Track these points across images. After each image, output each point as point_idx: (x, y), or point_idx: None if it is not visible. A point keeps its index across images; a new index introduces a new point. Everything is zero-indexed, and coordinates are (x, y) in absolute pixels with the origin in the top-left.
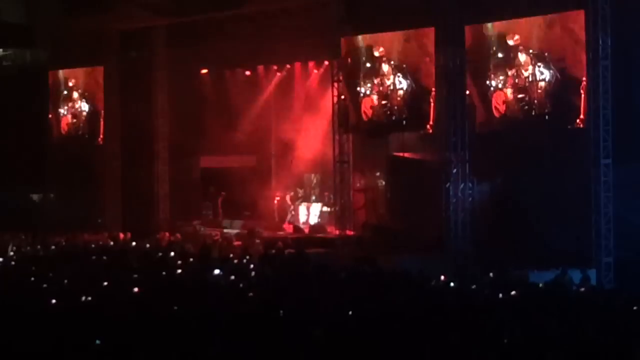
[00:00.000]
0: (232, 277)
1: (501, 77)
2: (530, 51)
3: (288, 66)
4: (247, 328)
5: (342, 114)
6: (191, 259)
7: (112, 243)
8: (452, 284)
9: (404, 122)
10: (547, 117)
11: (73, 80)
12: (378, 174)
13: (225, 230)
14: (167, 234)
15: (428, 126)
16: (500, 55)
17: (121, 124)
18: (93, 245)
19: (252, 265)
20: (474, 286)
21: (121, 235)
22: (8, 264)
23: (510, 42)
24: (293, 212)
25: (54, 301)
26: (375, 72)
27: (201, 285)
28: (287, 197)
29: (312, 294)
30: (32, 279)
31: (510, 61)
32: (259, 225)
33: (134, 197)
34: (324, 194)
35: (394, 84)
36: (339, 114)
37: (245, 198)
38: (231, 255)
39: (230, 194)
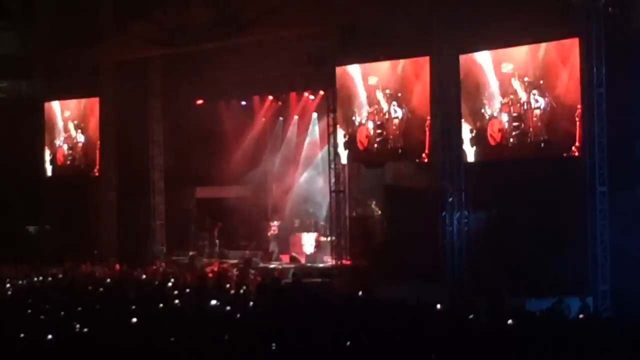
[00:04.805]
0: (228, 308)
1: (496, 106)
2: (525, 79)
3: (283, 96)
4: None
5: (348, 143)
6: (188, 290)
7: (108, 274)
8: (449, 313)
9: (400, 151)
10: (542, 145)
11: (69, 112)
12: (374, 203)
13: (223, 261)
14: (163, 264)
15: (424, 155)
16: (495, 83)
17: (117, 155)
18: (89, 277)
19: (248, 296)
20: (471, 315)
21: (117, 266)
22: (4, 296)
23: (505, 71)
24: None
25: (50, 335)
26: (371, 101)
27: (198, 316)
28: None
29: (309, 324)
30: (29, 311)
31: (505, 89)
32: (256, 256)
33: (130, 228)
34: (320, 223)
35: (389, 113)
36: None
37: (241, 228)
38: (227, 285)
39: (226, 225)
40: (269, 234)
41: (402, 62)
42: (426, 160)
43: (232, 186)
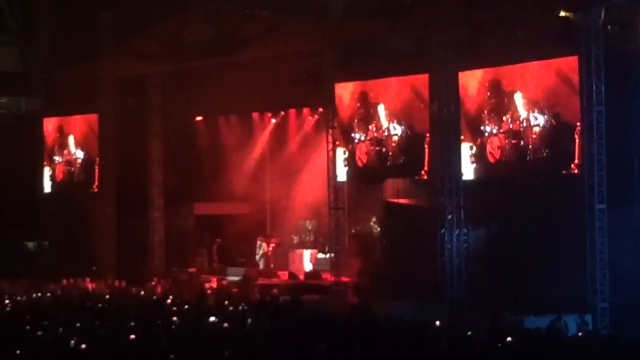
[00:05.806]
0: (226, 325)
1: (496, 123)
2: (525, 97)
3: (282, 113)
4: None
5: (347, 159)
6: (186, 306)
7: (107, 290)
8: (447, 331)
9: (399, 167)
10: (541, 162)
11: (68, 128)
12: (373, 220)
13: (221, 277)
14: (162, 281)
15: (423, 172)
16: (494, 101)
17: (116, 171)
18: (88, 293)
19: (247, 313)
20: (470, 332)
21: (116, 283)
22: (3, 312)
23: (505, 88)
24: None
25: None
26: (370, 118)
27: (197, 332)
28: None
29: (307, 341)
30: (27, 327)
31: (504, 107)
32: (255, 272)
33: (129, 244)
34: (319, 240)
35: (388, 129)
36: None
37: (240, 245)
38: (226, 302)
39: (225, 241)
40: (258, 251)
41: (401, 79)
42: (425, 177)
43: (230, 203)
